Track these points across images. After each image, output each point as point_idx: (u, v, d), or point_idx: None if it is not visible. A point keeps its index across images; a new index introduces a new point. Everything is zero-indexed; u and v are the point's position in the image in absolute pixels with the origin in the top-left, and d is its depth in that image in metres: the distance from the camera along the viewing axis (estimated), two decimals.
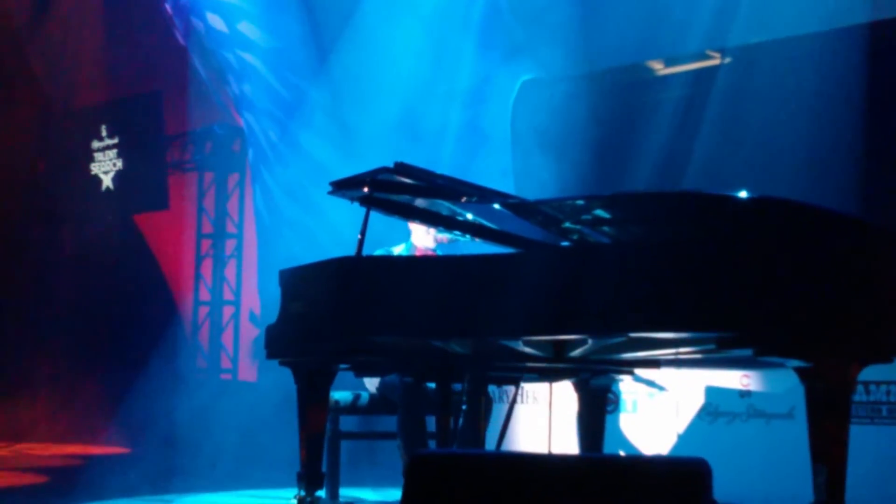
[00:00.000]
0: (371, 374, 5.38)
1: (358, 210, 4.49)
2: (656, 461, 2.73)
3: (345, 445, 5.69)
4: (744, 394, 6.43)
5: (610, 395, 5.28)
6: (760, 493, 5.87)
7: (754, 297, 3.34)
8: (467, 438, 4.33)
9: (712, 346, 3.65)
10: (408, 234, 5.81)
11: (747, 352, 3.48)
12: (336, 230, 8.46)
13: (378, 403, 5.71)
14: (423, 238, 5.70)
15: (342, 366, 4.76)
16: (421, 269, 4.24)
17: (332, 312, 4.26)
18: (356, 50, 8.78)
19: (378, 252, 5.55)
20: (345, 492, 5.76)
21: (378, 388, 5.71)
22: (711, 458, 2.62)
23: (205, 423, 9.07)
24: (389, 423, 5.57)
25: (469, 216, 4.61)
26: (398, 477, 5.41)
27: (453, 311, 3.90)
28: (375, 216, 4.49)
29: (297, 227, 9.54)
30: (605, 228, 4.26)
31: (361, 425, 6.64)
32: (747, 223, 3.68)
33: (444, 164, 7.59)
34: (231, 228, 10.86)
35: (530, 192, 6.93)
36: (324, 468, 4.84)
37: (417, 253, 5.72)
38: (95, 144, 11.60)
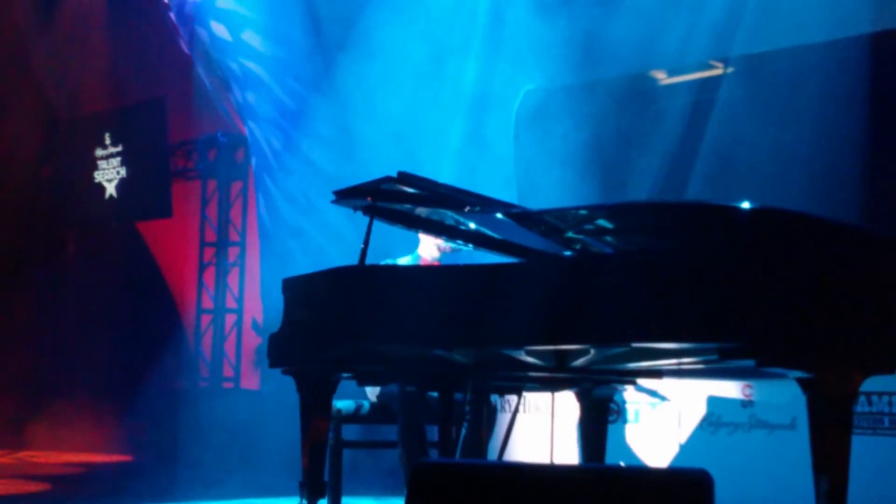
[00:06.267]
0: (374, 383, 5.37)
1: (361, 219, 4.50)
2: (658, 472, 2.73)
3: (347, 454, 5.69)
4: (746, 404, 6.42)
5: (613, 406, 5.27)
6: None
7: (756, 307, 3.34)
8: (470, 448, 4.33)
9: (714, 357, 3.65)
10: (414, 244, 5.81)
11: (749, 362, 3.47)
12: (339, 239, 8.47)
13: (379, 412, 5.71)
14: (429, 248, 5.70)
15: (345, 375, 4.76)
16: (424, 278, 4.24)
17: (335, 321, 4.27)
18: (360, 59, 8.79)
19: (384, 262, 5.54)
20: (347, 500, 5.76)
21: (378, 398, 5.72)
22: (713, 469, 2.62)
23: (207, 431, 9.08)
24: (391, 432, 5.58)
25: (472, 225, 4.61)
26: (400, 485, 5.42)
27: (456, 321, 3.90)
28: (380, 226, 4.50)
29: (300, 236, 9.54)
30: (608, 238, 4.26)
31: (363, 434, 6.64)
32: (749, 233, 3.69)
33: (447, 173, 7.59)
34: (234, 237, 10.86)
35: (533, 202, 6.95)
36: (326, 477, 4.84)
37: (423, 263, 5.72)
38: (99, 152, 11.63)
